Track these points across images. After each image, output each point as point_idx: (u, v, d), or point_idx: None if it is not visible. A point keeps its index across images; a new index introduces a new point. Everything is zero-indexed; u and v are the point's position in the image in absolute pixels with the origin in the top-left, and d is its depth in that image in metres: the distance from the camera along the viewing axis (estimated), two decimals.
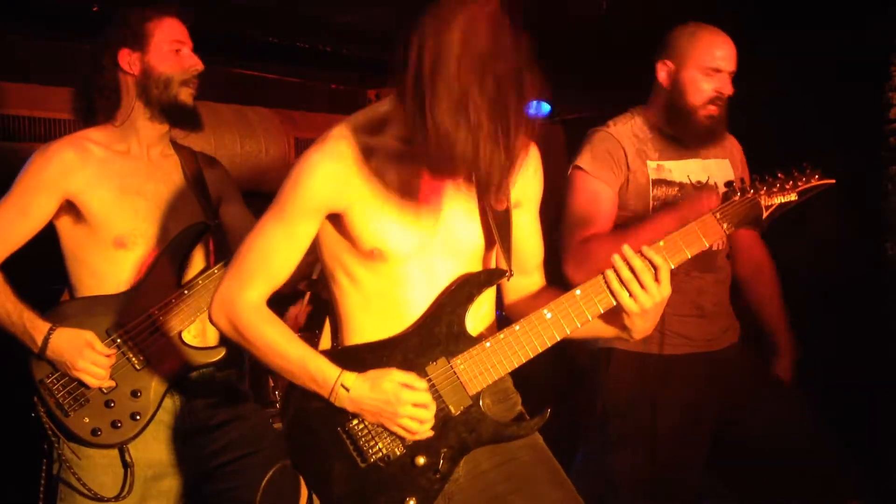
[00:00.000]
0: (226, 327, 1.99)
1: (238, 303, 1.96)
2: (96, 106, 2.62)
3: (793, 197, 2.05)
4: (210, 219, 2.66)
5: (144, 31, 2.57)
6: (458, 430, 1.96)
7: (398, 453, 1.96)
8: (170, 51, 2.59)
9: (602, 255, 2.48)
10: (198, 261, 2.66)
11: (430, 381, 1.95)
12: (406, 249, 1.94)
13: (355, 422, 1.96)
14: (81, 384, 2.49)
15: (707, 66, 2.79)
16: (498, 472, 2.02)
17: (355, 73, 5.27)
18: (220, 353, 2.61)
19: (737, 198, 2.02)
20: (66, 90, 3.99)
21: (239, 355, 2.67)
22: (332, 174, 1.91)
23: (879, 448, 3.40)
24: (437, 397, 1.95)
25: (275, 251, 1.96)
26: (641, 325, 1.96)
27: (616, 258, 1.91)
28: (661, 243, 1.94)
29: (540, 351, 1.95)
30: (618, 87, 3.10)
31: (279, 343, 1.96)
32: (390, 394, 1.91)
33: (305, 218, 1.94)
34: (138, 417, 2.52)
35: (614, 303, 1.93)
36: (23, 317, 2.45)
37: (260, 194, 3.54)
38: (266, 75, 5.07)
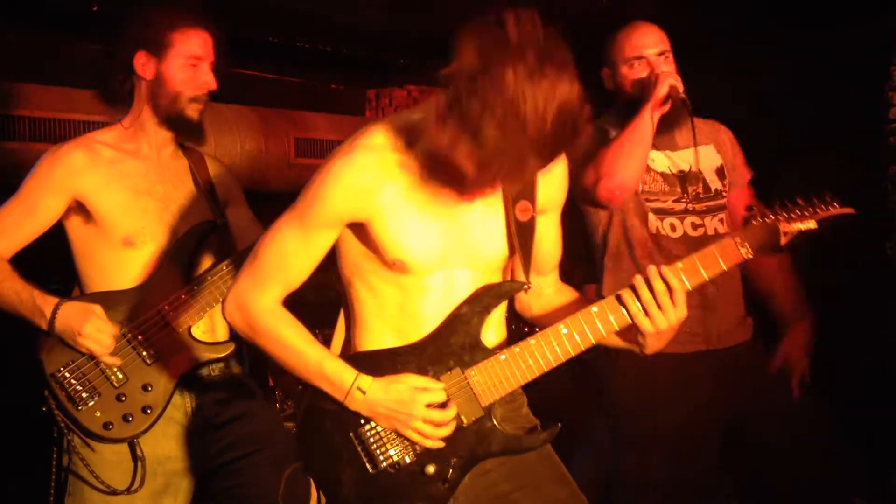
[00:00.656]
0: (241, 326, 2.00)
1: (253, 304, 1.96)
2: (113, 91, 2.61)
3: (812, 225, 2.01)
4: (218, 218, 2.67)
5: (165, 40, 2.55)
6: (468, 441, 1.96)
7: (408, 461, 1.96)
8: (185, 65, 2.57)
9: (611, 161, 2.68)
10: (206, 258, 2.67)
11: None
12: (429, 262, 1.93)
13: (367, 427, 1.96)
14: (85, 377, 2.49)
15: (629, 57, 2.87)
16: (502, 471, 2.02)
17: (355, 73, 5.28)
18: (230, 349, 2.61)
19: (756, 223, 2.00)
20: (64, 90, 4.03)
21: (241, 353, 2.69)
22: (355, 187, 1.88)
23: (880, 448, 3.40)
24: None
25: (291, 257, 1.95)
26: (653, 344, 1.97)
27: (637, 279, 1.91)
28: (680, 265, 1.94)
29: (554, 365, 1.95)
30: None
31: (296, 344, 1.96)
32: (405, 394, 1.91)
33: (324, 228, 1.93)
34: (149, 411, 2.53)
35: (630, 321, 1.93)
36: (32, 294, 2.46)
37: (260, 194, 3.55)
38: (266, 75, 5.07)
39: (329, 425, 1.97)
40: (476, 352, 1.96)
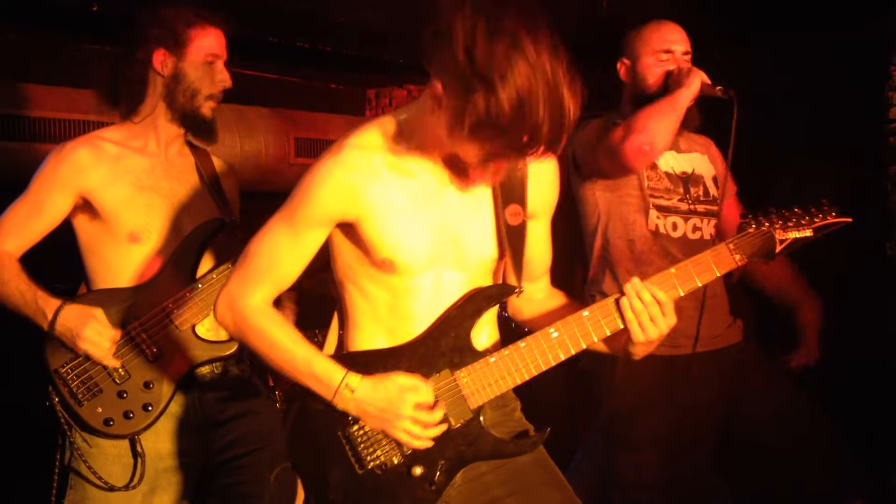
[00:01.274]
0: (231, 326, 2.00)
1: (243, 304, 1.96)
2: (121, 94, 2.64)
3: (808, 233, 2.01)
4: (226, 216, 2.68)
5: (185, 37, 2.59)
6: (456, 443, 1.95)
7: (396, 462, 1.95)
8: (204, 62, 2.61)
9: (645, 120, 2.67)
10: (213, 256, 2.68)
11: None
12: (418, 262, 1.93)
13: (356, 427, 1.96)
14: (87, 374, 2.50)
15: (658, 49, 2.89)
16: (496, 475, 2.01)
17: (355, 73, 5.27)
18: (233, 347, 2.62)
19: (752, 230, 1.99)
20: (64, 90, 4.03)
21: (244, 352, 2.69)
22: (343, 186, 1.88)
23: (879, 448, 3.40)
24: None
25: (281, 257, 1.95)
26: (643, 350, 1.99)
27: (628, 290, 1.91)
28: (673, 270, 1.94)
29: (544, 369, 1.95)
30: (618, 87, 3.10)
31: (285, 343, 1.96)
32: (393, 393, 1.90)
33: (313, 227, 1.93)
34: (150, 408, 2.54)
35: (621, 326, 1.93)
36: (36, 295, 2.48)
37: (260, 194, 3.55)
38: (266, 75, 5.07)
39: (318, 425, 1.97)
40: (466, 354, 1.96)
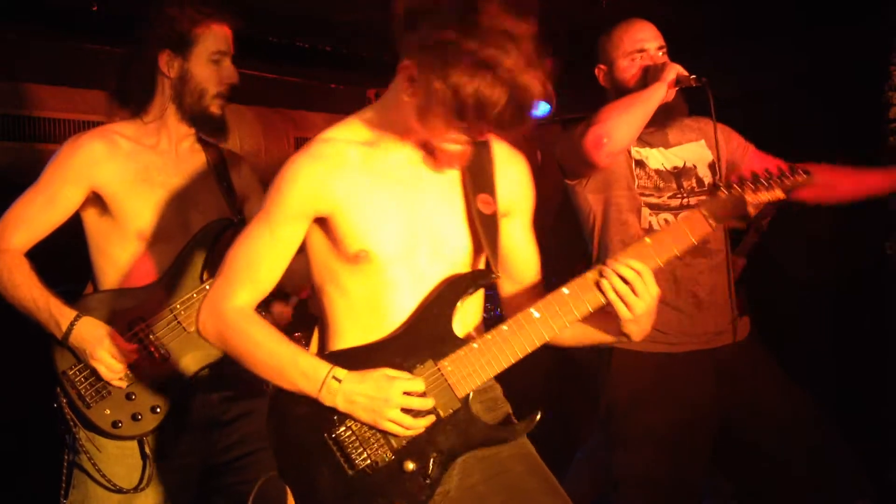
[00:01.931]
0: (213, 334, 1.98)
1: (225, 307, 1.95)
2: (130, 94, 2.63)
3: (779, 194, 2.06)
4: (235, 215, 2.67)
5: (190, 37, 2.57)
6: (447, 434, 1.93)
7: (387, 459, 1.93)
8: (210, 61, 2.60)
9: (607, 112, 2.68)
10: (222, 257, 2.67)
11: None
12: (392, 251, 1.93)
13: (342, 429, 1.94)
14: (95, 376, 2.49)
15: (631, 49, 2.90)
16: (490, 485, 1.99)
17: (355, 73, 5.27)
18: None
19: (722, 194, 2.03)
20: (65, 90, 4.02)
21: None
22: (315, 175, 1.91)
23: (878, 446, 3.40)
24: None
25: (260, 257, 1.95)
26: (637, 329, 1.96)
27: (605, 269, 1.91)
28: (648, 241, 1.95)
29: (529, 351, 1.93)
30: None
31: (268, 342, 1.94)
32: (381, 381, 1.89)
33: (290, 221, 1.94)
34: (158, 410, 2.53)
35: (603, 301, 1.92)
36: (49, 303, 2.46)
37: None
38: (266, 75, 5.06)
39: (303, 430, 1.94)
40: (448, 342, 1.94)
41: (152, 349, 2.54)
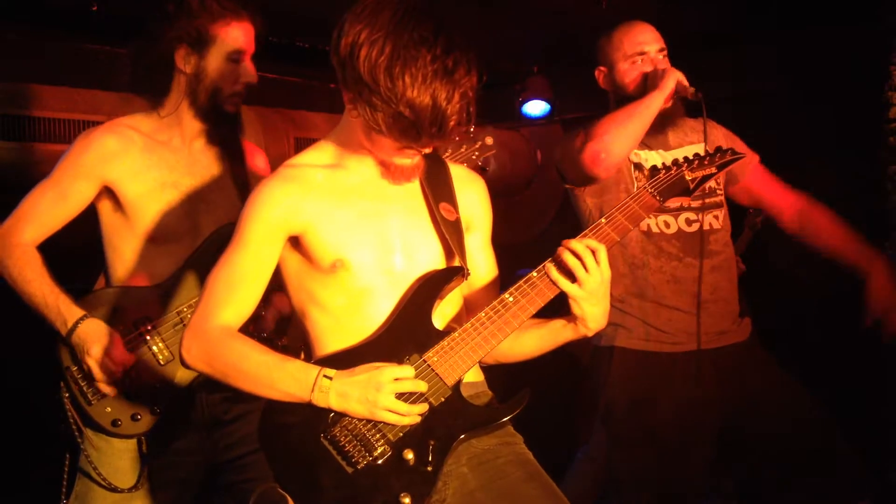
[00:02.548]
0: (198, 358, 2.00)
1: (208, 327, 1.98)
2: (146, 84, 2.61)
3: (713, 170, 2.34)
4: None
5: (208, 34, 2.53)
6: (443, 419, 1.97)
7: (385, 453, 1.96)
8: (227, 60, 2.57)
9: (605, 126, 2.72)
10: None
11: None
12: (366, 258, 2.00)
13: (337, 429, 1.96)
14: (93, 379, 2.49)
15: (632, 52, 2.90)
16: (487, 492, 2.01)
17: None
18: None
19: (663, 173, 2.25)
20: (65, 90, 4.03)
21: None
22: (284, 196, 1.99)
23: (877, 447, 3.40)
24: (417, 393, 1.96)
25: (240, 278, 2.00)
26: (592, 311, 2.01)
27: (560, 249, 2.00)
28: (603, 220, 2.08)
29: (509, 333, 2.01)
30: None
31: (255, 352, 1.98)
32: (371, 370, 1.93)
33: (266, 243, 1.99)
34: (157, 411, 2.54)
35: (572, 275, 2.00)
36: (58, 300, 2.47)
37: None
38: (266, 75, 5.05)
39: (298, 437, 1.97)
40: (431, 336, 2.00)
41: (157, 351, 2.53)
